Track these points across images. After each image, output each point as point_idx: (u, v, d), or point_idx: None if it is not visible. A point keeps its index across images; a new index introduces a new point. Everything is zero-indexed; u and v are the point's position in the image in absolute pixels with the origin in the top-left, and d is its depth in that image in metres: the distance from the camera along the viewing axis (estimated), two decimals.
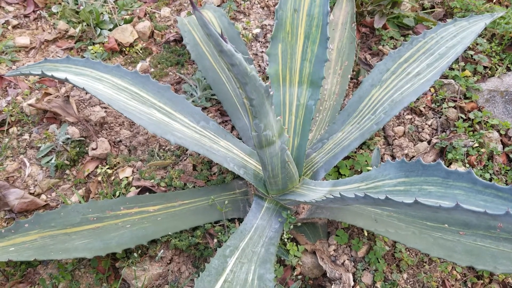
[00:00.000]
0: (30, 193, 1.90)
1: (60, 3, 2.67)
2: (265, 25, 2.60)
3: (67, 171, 1.99)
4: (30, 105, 2.13)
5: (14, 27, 2.57)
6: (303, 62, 1.71)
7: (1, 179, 1.92)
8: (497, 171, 1.93)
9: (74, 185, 1.95)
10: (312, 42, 1.69)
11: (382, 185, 1.24)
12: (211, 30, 0.93)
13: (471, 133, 2.02)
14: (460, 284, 1.68)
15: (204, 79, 2.18)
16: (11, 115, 2.13)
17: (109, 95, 1.53)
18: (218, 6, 2.64)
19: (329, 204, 1.45)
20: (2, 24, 2.53)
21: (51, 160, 1.99)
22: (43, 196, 1.92)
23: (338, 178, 1.93)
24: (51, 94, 2.21)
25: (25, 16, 2.64)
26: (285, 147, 1.43)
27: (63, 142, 2.02)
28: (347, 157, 1.96)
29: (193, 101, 2.20)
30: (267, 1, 2.71)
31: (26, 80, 2.31)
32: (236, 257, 1.45)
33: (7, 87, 2.27)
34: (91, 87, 1.51)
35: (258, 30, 2.55)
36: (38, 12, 2.65)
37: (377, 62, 2.32)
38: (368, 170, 1.92)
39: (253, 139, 1.35)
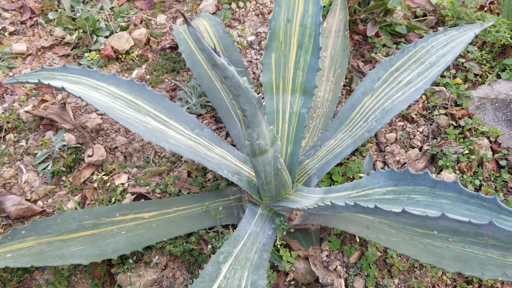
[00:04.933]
0: (27, 200, 1.92)
1: (56, 10, 2.69)
2: (260, 32, 2.63)
3: (64, 178, 2.02)
4: (26, 112, 2.15)
5: (11, 33, 2.59)
6: (296, 71, 1.74)
7: None
8: (486, 177, 1.97)
9: (70, 191, 1.97)
10: (305, 51, 1.73)
11: (372, 193, 1.27)
12: (205, 45, 0.96)
13: (462, 140, 2.06)
14: None
15: (199, 86, 2.21)
16: (7, 122, 2.15)
17: (105, 104, 1.56)
18: (213, 13, 2.67)
19: (321, 211, 1.48)
20: None
21: (47, 166, 2.01)
22: (40, 203, 1.94)
23: (330, 185, 1.96)
24: (47, 101, 2.23)
25: (22, 22, 2.66)
26: (278, 155, 1.46)
27: (59, 149, 2.04)
28: (339, 164, 1.99)
29: (188, 108, 2.23)
30: (262, 8, 2.74)
31: (23, 87, 2.33)
32: (229, 263, 1.47)
33: (4, 94, 2.30)
34: (88, 95, 1.53)
35: (252, 38, 2.58)
36: (34, 18, 2.67)
37: (370, 70, 2.36)
38: (360, 177, 1.94)
39: (247, 148, 1.38)
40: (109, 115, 1.47)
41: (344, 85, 2.36)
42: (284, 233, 1.65)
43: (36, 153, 2.06)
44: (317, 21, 1.68)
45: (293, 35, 1.73)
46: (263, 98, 1.77)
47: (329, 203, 1.19)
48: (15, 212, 1.85)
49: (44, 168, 2.01)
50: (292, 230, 1.74)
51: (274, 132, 1.39)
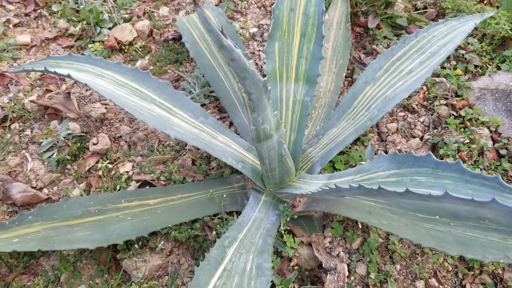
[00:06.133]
0: (32, 187, 1.94)
1: (60, 2, 2.71)
2: (262, 24, 2.65)
3: (68, 166, 2.04)
4: (31, 101, 2.17)
5: (15, 25, 2.60)
6: (299, 59, 1.76)
7: (3, 173, 1.95)
8: (487, 166, 1.99)
9: (75, 179, 1.99)
10: (308, 40, 1.75)
11: (376, 177, 1.29)
12: (212, 26, 0.98)
13: (462, 129, 2.08)
14: (451, 275, 1.74)
15: (203, 76, 2.22)
16: (13, 111, 2.17)
17: (110, 91, 1.57)
18: (216, 5, 2.68)
19: (325, 196, 1.51)
20: (3, 22, 2.57)
21: (52, 155, 2.03)
22: (45, 190, 1.96)
23: (333, 172, 1.98)
24: (52, 91, 2.25)
25: (26, 14, 2.67)
26: (282, 141, 1.48)
27: (64, 138, 2.06)
28: (342, 152, 2.01)
29: (192, 98, 2.25)
30: (264, 1, 2.76)
31: (28, 77, 2.35)
32: (234, 247, 1.50)
33: (9, 84, 2.31)
34: (93, 83, 1.55)
35: (255, 29, 2.60)
36: (38, 11, 2.69)
37: (371, 60, 2.38)
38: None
39: (252, 132, 1.40)
40: (115, 102, 1.48)
41: (346, 76, 2.38)
42: (288, 219, 1.68)
43: (41, 142, 2.07)
44: (320, 10, 1.70)
45: (296, 24, 1.75)
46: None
47: (334, 186, 1.21)
48: (21, 199, 1.87)
49: (49, 157, 2.03)
50: (295, 216, 1.76)
51: (278, 118, 1.41)
